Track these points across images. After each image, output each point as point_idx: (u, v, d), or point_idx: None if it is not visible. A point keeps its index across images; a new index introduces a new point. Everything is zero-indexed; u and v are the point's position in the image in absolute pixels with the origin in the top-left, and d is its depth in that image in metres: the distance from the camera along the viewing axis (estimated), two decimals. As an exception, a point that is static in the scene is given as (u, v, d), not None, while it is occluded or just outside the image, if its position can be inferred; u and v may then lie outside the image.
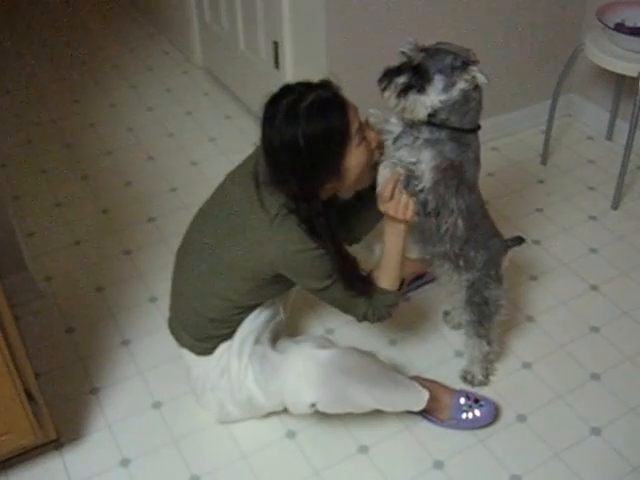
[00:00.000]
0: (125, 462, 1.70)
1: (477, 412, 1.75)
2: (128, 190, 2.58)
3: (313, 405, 1.60)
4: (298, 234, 1.48)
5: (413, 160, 1.53)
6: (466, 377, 1.86)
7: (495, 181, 2.55)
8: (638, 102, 2.25)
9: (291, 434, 1.75)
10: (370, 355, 1.70)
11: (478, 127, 1.58)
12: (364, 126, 1.51)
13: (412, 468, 1.68)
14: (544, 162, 2.66)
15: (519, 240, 1.80)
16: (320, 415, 1.67)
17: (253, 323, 1.66)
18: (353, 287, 1.60)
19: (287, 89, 1.47)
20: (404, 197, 1.54)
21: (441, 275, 1.78)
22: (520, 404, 1.81)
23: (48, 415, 1.62)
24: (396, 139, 1.57)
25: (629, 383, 1.87)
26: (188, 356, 1.72)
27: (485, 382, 1.86)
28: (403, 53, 1.50)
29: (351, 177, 1.51)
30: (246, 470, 1.68)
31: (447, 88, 1.48)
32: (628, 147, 2.33)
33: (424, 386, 1.73)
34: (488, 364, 1.86)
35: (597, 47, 2.33)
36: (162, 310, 2.06)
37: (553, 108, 2.57)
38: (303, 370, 1.58)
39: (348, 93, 1.49)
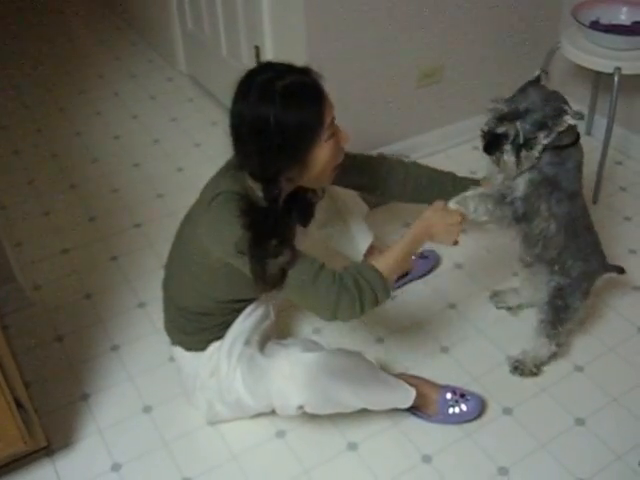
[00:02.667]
0: (116, 467, 1.71)
1: (464, 406, 1.77)
2: (115, 197, 2.59)
3: (301, 407, 1.62)
4: (229, 209, 1.44)
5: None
6: (517, 367, 1.88)
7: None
8: (615, 98, 2.29)
9: (281, 433, 1.77)
10: (357, 355, 1.71)
11: (577, 138, 1.63)
12: (335, 123, 1.51)
13: (401, 463, 1.70)
14: (525, 159, 2.69)
15: (620, 269, 1.88)
16: (309, 414, 1.69)
17: (243, 324, 1.68)
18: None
19: (267, 66, 1.47)
20: (457, 229, 1.62)
21: (533, 269, 1.83)
22: (506, 397, 1.84)
23: (38, 423, 1.63)
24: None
25: (612, 373, 1.90)
26: (179, 354, 1.74)
27: (536, 373, 1.88)
28: (494, 109, 1.59)
29: (313, 170, 1.50)
30: (237, 471, 1.70)
31: (548, 135, 1.56)
32: (606, 142, 2.37)
33: (411, 383, 1.75)
34: (547, 361, 1.90)
35: (573, 45, 2.36)
36: (150, 315, 2.08)
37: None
38: (290, 373, 1.59)
39: (329, 95, 1.51)
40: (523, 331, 2.02)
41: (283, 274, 1.47)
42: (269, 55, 2.48)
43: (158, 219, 2.45)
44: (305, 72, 1.46)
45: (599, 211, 2.43)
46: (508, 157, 1.58)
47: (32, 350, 2.00)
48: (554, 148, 1.59)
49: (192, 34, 3.12)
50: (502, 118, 1.57)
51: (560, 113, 1.55)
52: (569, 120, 1.54)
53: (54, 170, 2.74)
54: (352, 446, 1.74)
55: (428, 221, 1.62)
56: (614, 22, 2.37)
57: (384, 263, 1.55)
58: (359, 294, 1.48)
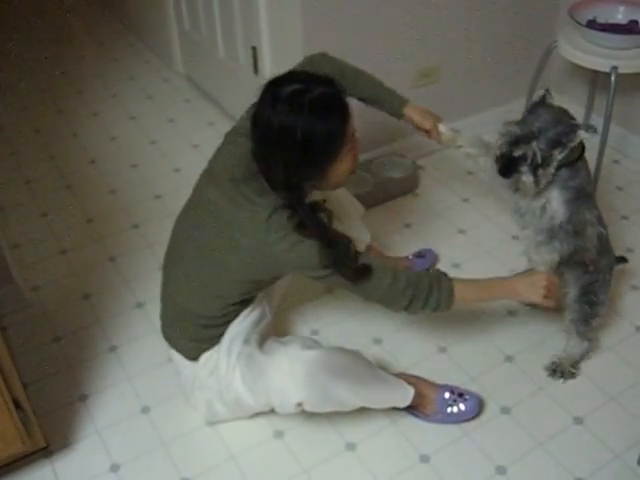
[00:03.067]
0: (115, 467, 1.71)
1: (462, 406, 1.77)
2: (112, 198, 2.59)
3: (300, 405, 1.62)
4: (288, 231, 1.46)
5: (543, 201, 1.68)
6: (555, 369, 1.89)
7: (474, 179, 2.59)
8: (611, 97, 2.29)
9: (279, 434, 1.77)
10: (355, 354, 1.72)
11: (584, 150, 1.67)
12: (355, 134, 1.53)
13: (399, 463, 1.71)
14: (523, 159, 2.70)
15: (623, 259, 1.98)
16: (307, 414, 1.69)
17: (241, 324, 1.68)
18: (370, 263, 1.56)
19: (291, 75, 1.48)
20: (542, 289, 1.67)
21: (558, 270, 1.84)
22: (504, 397, 1.84)
23: (37, 423, 1.63)
24: (522, 214, 1.74)
25: (610, 372, 1.90)
26: (178, 356, 1.73)
27: (573, 375, 1.88)
28: (507, 133, 1.63)
29: (333, 179, 1.53)
30: (235, 471, 1.70)
31: (562, 151, 1.60)
32: (603, 141, 2.37)
33: (409, 382, 1.75)
34: (581, 359, 1.90)
35: (570, 44, 2.36)
36: (149, 315, 2.08)
37: (529, 105, 2.60)
38: (289, 370, 1.60)
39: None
40: (521, 330, 2.03)
41: (366, 267, 1.54)
42: (266, 56, 2.49)
43: (156, 220, 2.45)
44: (330, 83, 1.46)
45: (596, 210, 2.43)
46: (527, 177, 1.62)
47: (30, 351, 2.00)
48: (567, 164, 1.64)
49: (189, 35, 3.12)
50: (517, 141, 1.61)
51: (573, 129, 1.59)
52: (583, 135, 1.58)
53: (51, 171, 2.74)
54: (350, 446, 1.74)
55: (517, 283, 1.70)
56: (611, 21, 2.37)
57: (463, 286, 1.64)
58: (428, 293, 1.58)
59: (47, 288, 2.22)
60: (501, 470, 1.68)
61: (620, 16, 2.39)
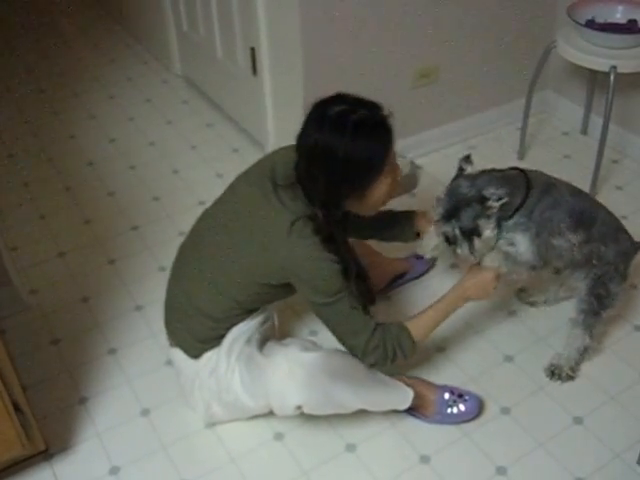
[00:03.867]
0: (115, 470, 1.71)
1: (462, 406, 1.77)
2: (111, 200, 2.59)
3: (299, 407, 1.62)
4: (314, 241, 1.50)
5: (511, 244, 1.68)
6: (553, 372, 1.88)
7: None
8: (610, 96, 2.29)
9: (279, 436, 1.77)
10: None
11: (528, 186, 1.67)
12: (395, 159, 1.56)
13: (399, 464, 1.70)
14: (521, 158, 2.70)
15: None
16: (307, 416, 1.69)
17: (245, 326, 1.67)
18: (361, 307, 1.59)
19: (339, 97, 1.51)
20: (492, 285, 1.70)
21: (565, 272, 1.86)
22: (503, 397, 1.84)
23: (36, 426, 1.63)
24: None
25: (610, 372, 1.90)
26: (179, 356, 1.72)
27: (572, 377, 1.88)
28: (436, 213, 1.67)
29: (370, 201, 1.56)
30: (235, 473, 1.70)
31: (490, 217, 1.62)
32: (602, 141, 2.37)
33: (408, 384, 1.75)
34: (581, 360, 1.89)
35: (569, 44, 2.37)
36: (147, 318, 2.08)
37: (528, 105, 2.61)
38: (288, 373, 1.60)
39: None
40: (520, 330, 2.03)
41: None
42: (265, 57, 2.48)
43: (154, 222, 2.45)
44: (376, 107, 1.50)
45: (595, 210, 2.43)
46: (461, 250, 1.66)
47: (29, 354, 2.00)
48: (517, 209, 1.65)
49: (187, 36, 3.12)
50: (442, 219, 1.65)
51: (482, 201, 1.60)
52: (494, 204, 1.60)
53: (49, 173, 2.74)
54: (350, 447, 1.74)
55: (463, 287, 1.71)
56: (610, 21, 2.37)
57: (422, 330, 1.67)
58: (392, 357, 1.62)
59: (46, 291, 2.21)
60: (501, 470, 1.68)
61: (619, 15, 2.39)
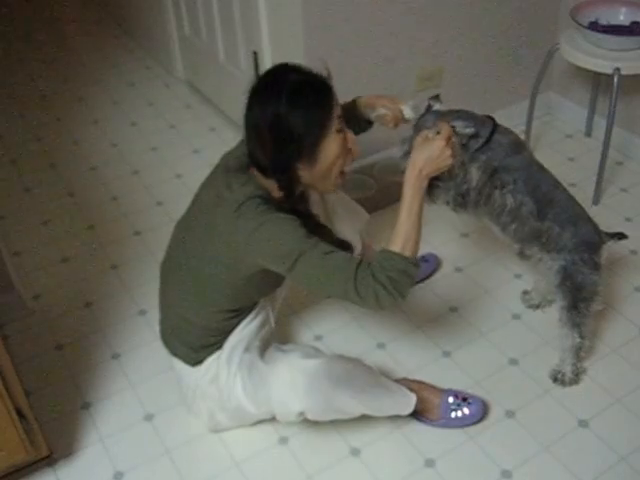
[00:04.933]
0: (118, 475, 1.71)
1: (466, 410, 1.76)
2: (114, 205, 2.59)
3: (301, 414, 1.62)
4: (261, 211, 1.46)
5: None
6: (557, 377, 1.86)
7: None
8: (614, 98, 2.28)
9: (283, 440, 1.76)
10: (356, 362, 1.71)
11: (492, 132, 1.69)
12: (343, 122, 1.53)
13: (404, 468, 1.70)
14: (525, 161, 2.69)
15: (620, 235, 1.80)
16: (311, 420, 1.68)
17: (243, 332, 1.67)
18: (337, 250, 1.47)
19: (276, 67, 1.54)
20: (447, 151, 1.55)
21: (533, 257, 1.82)
22: (508, 400, 1.83)
23: (40, 432, 1.63)
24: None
25: (615, 375, 1.89)
26: (180, 365, 1.73)
27: (576, 380, 1.86)
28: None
29: (322, 164, 1.51)
30: (240, 478, 1.69)
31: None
32: (606, 143, 2.37)
33: (411, 388, 1.74)
34: (578, 360, 1.85)
35: (572, 46, 2.36)
36: (151, 323, 2.08)
37: (532, 107, 2.60)
38: (290, 380, 1.59)
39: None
40: (525, 333, 2.02)
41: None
42: (267, 60, 2.48)
43: (158, 226, 2.45)
44: (314, 72, 1.52)
45: (600, 212, 2.42)
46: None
47: (32, 359, 2.00)
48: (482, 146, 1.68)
49: (189, 40, 3.12)
50: (407, 155, 1.63)
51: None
52: (462, 132, 1.63)
53: (52, 178, 2.74)
54: (355, 451, 1.73)
55: (416, 165, 1.53)
56: (613, 23, 2.37)
57: (400, 238, 1.48)
58: (396, 287, 1.44)
59: (49, 296, 2.21)
60: (507, 474, 1.67)
61: (622, 17, 2.39)
